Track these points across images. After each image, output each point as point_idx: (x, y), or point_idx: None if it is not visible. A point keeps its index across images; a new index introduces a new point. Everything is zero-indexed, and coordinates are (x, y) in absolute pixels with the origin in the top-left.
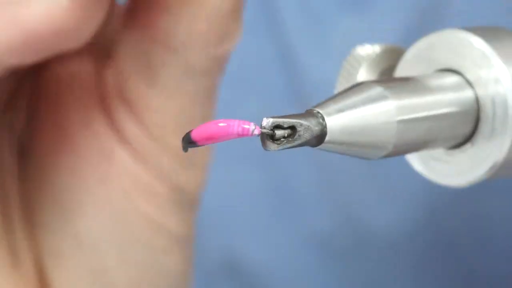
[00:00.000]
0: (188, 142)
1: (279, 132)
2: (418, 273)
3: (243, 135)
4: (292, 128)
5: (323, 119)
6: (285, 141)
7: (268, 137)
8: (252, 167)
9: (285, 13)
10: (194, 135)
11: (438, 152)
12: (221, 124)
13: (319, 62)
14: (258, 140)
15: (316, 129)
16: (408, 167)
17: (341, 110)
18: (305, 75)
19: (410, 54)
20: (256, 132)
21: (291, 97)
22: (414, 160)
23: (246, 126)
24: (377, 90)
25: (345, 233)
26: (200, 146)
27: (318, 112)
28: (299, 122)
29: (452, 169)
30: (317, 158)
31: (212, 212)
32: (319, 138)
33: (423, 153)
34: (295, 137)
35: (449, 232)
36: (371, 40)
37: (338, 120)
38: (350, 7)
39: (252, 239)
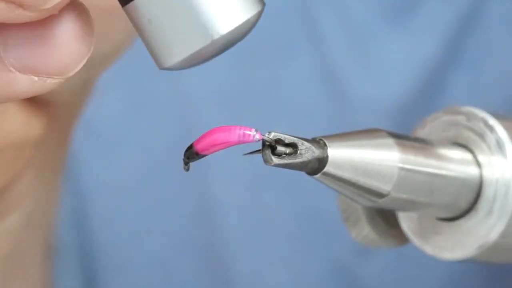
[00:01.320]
0: (190, 155)
1: (280, 148)
2: None
3: (244, 141)
4: (294, 147)
5: (325, 146)
6: (286, 157)
7: (270, 150)
8: (279, 193)
9: (326, 28)
10: (196, 145)
11: (434, 222)
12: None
13: (360, 78)
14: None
15: (317, 152)
16: None
17: (345, 146)
18: (346, 92)
19: (429, 121)
20: (257, 137)
21: (331, 115)
22: (405, 222)
23: (248, 132)
24: (387, 140)
25: (370, 262)
26: (204, 156)
27: (321, 140)
28: (300, 141)
29: (444, 242)
30: None
31: (238, 237)
32: (320, 163)
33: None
34: (296, 154)
35: None
36: (410, 55)
37: (341, 153)
38: (390, 21)
39: (278, 266)
